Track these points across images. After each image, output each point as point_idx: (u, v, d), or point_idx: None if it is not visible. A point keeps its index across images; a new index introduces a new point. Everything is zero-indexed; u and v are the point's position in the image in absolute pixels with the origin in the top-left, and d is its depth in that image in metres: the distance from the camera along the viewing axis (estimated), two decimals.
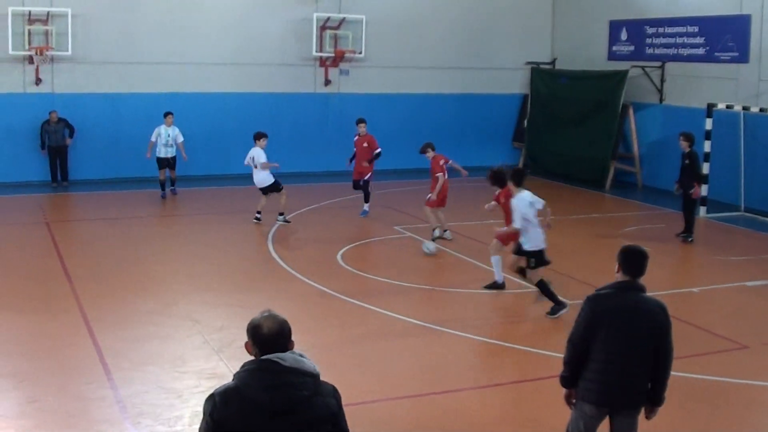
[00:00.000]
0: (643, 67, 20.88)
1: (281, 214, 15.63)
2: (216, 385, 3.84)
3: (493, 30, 23.44)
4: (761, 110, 16.94)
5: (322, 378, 3.84)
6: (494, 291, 11.53)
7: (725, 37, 18.81)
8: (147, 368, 8.53)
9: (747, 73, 18.36)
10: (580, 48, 23.18)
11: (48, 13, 18.93)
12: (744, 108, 17.35)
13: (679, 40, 20.15)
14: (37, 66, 19.06)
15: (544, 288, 10.47)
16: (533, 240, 10.38)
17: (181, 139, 18.05)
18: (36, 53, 18.79)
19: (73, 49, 19.13)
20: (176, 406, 7.65)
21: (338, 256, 13.27)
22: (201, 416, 3.82)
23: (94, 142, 19.80)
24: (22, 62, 19.09)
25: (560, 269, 12.73)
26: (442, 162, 14.27)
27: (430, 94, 22.96)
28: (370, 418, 7.46)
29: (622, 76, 20.70)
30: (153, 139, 17.92)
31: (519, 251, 10.58)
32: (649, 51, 21.03)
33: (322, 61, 21.77)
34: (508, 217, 11.05)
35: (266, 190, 15.59)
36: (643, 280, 5.56)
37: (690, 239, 14.81)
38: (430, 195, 14.24)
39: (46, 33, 18.92)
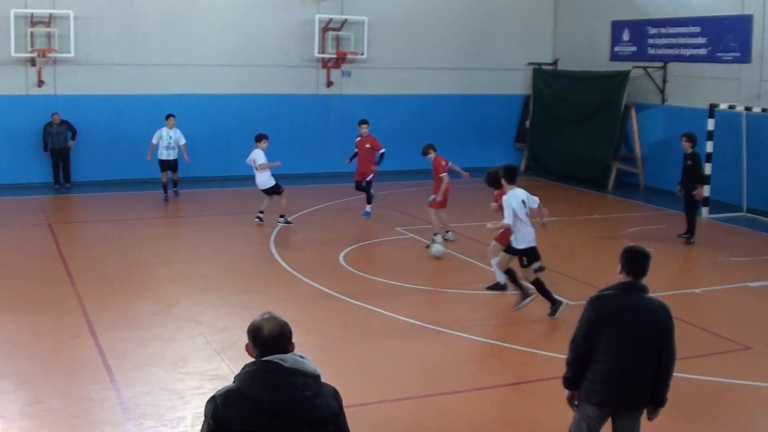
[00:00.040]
0: (645, 68, 20.87)
1: (282, 216, 15.65)
2: (218, 386, 3.85)
3: (495, 31, 23.44)
4: (763, 110, 16.94)
5: (323, 379, 3.85)
6: (496, 292, 11.53)
7: (727, 38, 18.80)
8: (149, 369, 8.54)
9: (749, 73, 18.35)
10: (582, 48, 23.17)
11: (50, 15, 18.96)
12: (746, 108, 17.34)
13: (681, 41, 20.14)
14: (40, 68, 19.08)
15: (539, 287, 10.45)
16: (524, 238, 10.31)
17: (183, 141, 18.06)
18: (38, 55, 18.82)
19: (76, 51, 19.16)
20: (179, 407, 7.67)
21: (340, 258, 13.28)
22: (203, 418, 3.82)
23: (96, 144, 19.82)
24: (24, 64, 19.12)
25: (562, 270, 12.74)
26: (443, 163, 14.27)
27: (432, 95, 22.97)
28: (370, 420, 7.47)
29: (624, 76, 20.69)
30: (154, 141, 17.93)
31: (510, 250, 10.54)
32: (651, 51, 21.02)
33: (324, 63, 21.79)
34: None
35: (268, 192, 15.61)
36: (646, 281, 5.56)
37: (692, 240, 14.80)
38: (434, 196, 14.20)
39: (49, 35, 18.94)
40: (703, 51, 19.53)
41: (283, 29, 21.26)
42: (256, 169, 15.45)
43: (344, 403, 3.93)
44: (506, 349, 9.53)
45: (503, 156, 23.00)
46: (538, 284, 10.47)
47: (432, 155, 14.29)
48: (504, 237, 11.04)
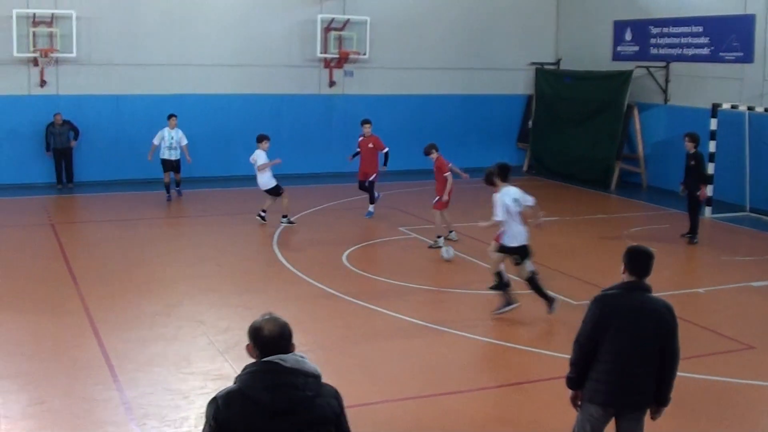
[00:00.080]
0: (647, 68, 20.86)
1: (284, 216, 15.65)
2: (222, 386, 3.85)
3: (497, 31, 23.43)
4: (766, 110, 16.93)
5: (326, 379, 3.85)
6: (499, 292, 11.49)
7: (730, 37, 18.78)
8: (152, 369, 8.55)
9: (751, 73, 18.34)
10: (585, 48, 23.16)
11: (52, 15, 18.97)
12: (749, 108, 17.32)
13: (683, 40, 20.12)
14: (42, 68, 19.10)
15: (533, 284, 10.41)
16: (516, 236, 10.24)
17: (185, 141, 18.05)
18: (40, 55, 18.83)
19: (78, 51, 19.17)
20: (182, 407, 7.67)
21: (343, 258, 13.28)
22: (204, 419, 3.82)
23: (98, 144, 19.83)
24: (26, 64, 19.14)
25: (565, 270, 12.74)
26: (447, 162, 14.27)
27: (434, 95, 22.97)
28: (372, 420, 7.47)
29: (626, 76, 20.68)
30: (156, 142, 17.91)
31: (502, 249, 10.43)
32: (654, 51, 21.01)
33: (327, 63, 21.79)
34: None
35: (269, 193, 15.62)
36: (649, 281, 5.56)
37: (695, 241, 14.78)
38: (438, 197, 14.18)
39: (51, 35, 18.95)
40: (705, 51, 19.52)
41: (286, 29, 21.27)
42: (258, 169, 15.47)
43: (346, 403, 3.93)
44: (509, 348, 9.53)
45: (505, 156, 23.00)
46: (532, 283, 10.43)
47: (434, 155, 14.28)
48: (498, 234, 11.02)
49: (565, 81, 22.88)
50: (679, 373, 5.56)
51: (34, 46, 18.79)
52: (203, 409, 3.89)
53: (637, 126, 21.18)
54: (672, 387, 5.53)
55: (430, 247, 14.08)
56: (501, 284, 10.47)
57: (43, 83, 19.25)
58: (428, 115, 22.69)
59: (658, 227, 16.18)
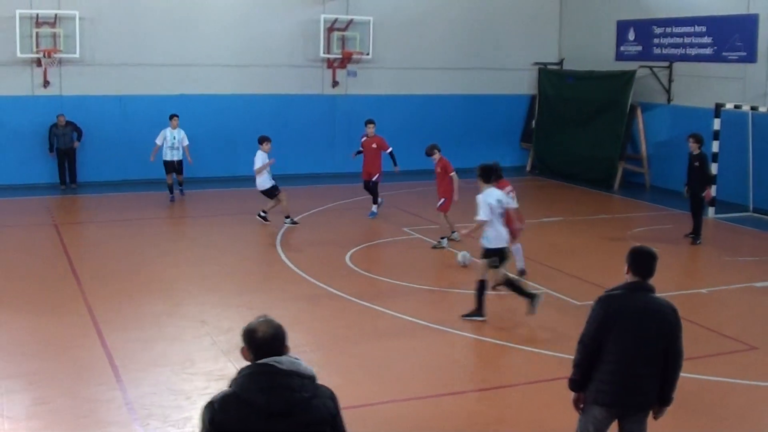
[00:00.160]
0: (650, 67, 20.84)
1: (287, 217, 15.65)
2: (225, 386, 3.85)
3: (500, 31, 23.42)
4: None
5: (327, 379, 3.85)
6: (517, 293, 11.43)
7: (733, 37, 18.76)
8: (155, 370, 8.56)
9: (755, 72, 18.31)
10: (588, 48, 23.14)
11: (56, 15, 18.99)
12: (752, 108, 17.29)
13: (686, 40, 20.10)
14: (45, 68, 19.11)
15: (511, 286, 10.32)
16: (497, 238, 10.13)
17: (186, 142, 18.03)
18: (44, 56, 18.85)
19: (81, 51, 19.19)
20: (185, 407, 7.67)
21: (346, 258, 13.28)
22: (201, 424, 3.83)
23: (102, 145, 19.84)
24: (30, 65, 19.16)
25: (568, 270, 12.73)
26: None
27: (437, 95, 22.95)
28: (374, 420, 7.46)
29: (629, 76, 20.66)
30: (158, 142, 17.91)
31: (486, 254, 10.22)
32: (657, 51, 20.99)
33: (330, 63, 21.79)
34: (506, 215, 10.80)
35: (265, 194, 15.62)
36: (652, 281, 5.55)
37: (698, 242, 14.75)
38: (445, 199, 14.15)
39: (54, 36, 18.96)
40: (708, 50, 19.49)
41: (288, 29, 21.27)
42: (255, 172, 15.48)
43: (348, 403, 3.94)
44: (512, 349, 9.52)
45: (509, 156, 23.12)
46: (510, 284, 10.34)
47: (437, 156, 14.28)
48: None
49: (568, 81, 22.87)
50: (681, 374, 5.55)
51: (37, 46, 18.80)
52: None
53: (640, 126, 21.16)
54: (675, 387, 5.52)
55: (434, 247, 14.07)
56: (514, 286, 10.39)
57: (46, 84, 19.28)
58: (431, 116, 22.68)
59: (661, 227, 16.16)
